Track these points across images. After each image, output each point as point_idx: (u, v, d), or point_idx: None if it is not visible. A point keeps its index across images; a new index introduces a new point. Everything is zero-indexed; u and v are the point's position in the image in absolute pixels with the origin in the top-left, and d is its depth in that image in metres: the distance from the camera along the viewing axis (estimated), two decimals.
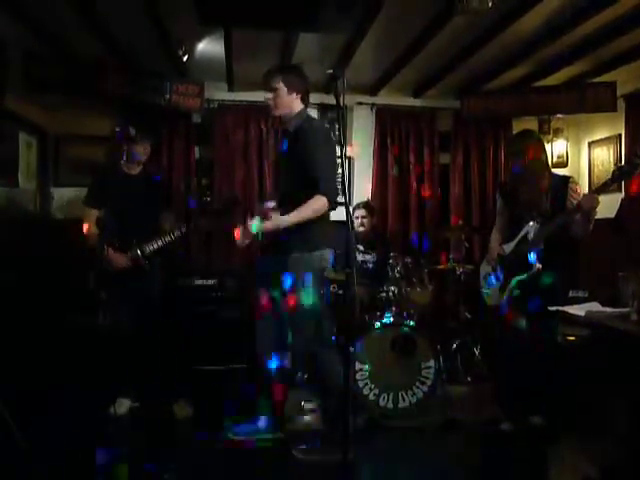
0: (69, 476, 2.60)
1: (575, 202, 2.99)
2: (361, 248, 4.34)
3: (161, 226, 3.63)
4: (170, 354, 3.58)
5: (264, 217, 2.80)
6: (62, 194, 4.85)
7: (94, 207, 3.57)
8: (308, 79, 3.06)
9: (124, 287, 3.40)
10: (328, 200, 2.78)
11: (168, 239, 3.50)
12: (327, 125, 4.74)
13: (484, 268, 3.43)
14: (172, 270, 3.91)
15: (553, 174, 3.27)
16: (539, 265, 3.04)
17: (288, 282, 2.80)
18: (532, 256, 3.06)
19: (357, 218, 4.41)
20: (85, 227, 3.53)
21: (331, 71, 2.33)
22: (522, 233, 3.14)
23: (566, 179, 3.21)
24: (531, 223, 3.10)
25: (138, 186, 3.58)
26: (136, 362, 3.45)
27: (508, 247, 3.23)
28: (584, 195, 2.94)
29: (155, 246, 3.46)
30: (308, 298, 2.78)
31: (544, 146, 3.32)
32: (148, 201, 3.58)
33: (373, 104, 5.33)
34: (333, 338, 3.34)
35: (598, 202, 2.85)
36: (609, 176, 2.88)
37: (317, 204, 2.77)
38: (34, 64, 4.16)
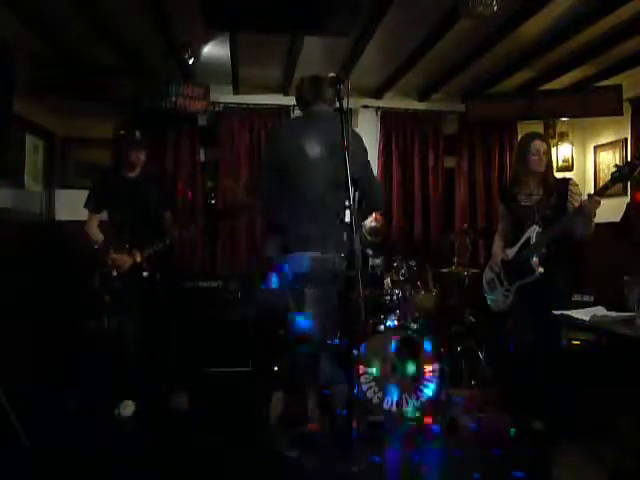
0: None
1: (576, 204, 2.98)
2: (370, 252, 4.27)
3: (164, 227, 3.62)
4: (172, 354, 3.58)
5: None
6: (68, 196, 4.88)
7: (95, 211, 3.61)
8: None
9: (128, 289, 3.41)
10: None
11: (168, 241, 3.48)
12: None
13: (487, 273, 3.41)
14: (173, 271, 3.88)
15: (555, 177, 3.26)
16: (541, 269, 3.03)
17: None
18: (534, 260, 3.04)
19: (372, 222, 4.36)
20: (88, 230, 3.55)
21: (334, 74, 2.33)
22: (524, 237, 3.12)
23: (567, 182, 3.19)
24: (533, 227, 3.08)
25: (137, 188, 3.56)
26: (140, 363, 3.46)
27: (511, 251, 3.21)
28: (585, 198, 2.92)
29: (157, 248, 3.45)
30: None
31: (550, 148, 3.31)
32: (148, 202, 3.56)
33: (378, 107, 5.33)
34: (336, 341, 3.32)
35: (599, 204, 2.84)
36: (608, 178, 2.86)
37: None
38: (41, 67, 4.20)
